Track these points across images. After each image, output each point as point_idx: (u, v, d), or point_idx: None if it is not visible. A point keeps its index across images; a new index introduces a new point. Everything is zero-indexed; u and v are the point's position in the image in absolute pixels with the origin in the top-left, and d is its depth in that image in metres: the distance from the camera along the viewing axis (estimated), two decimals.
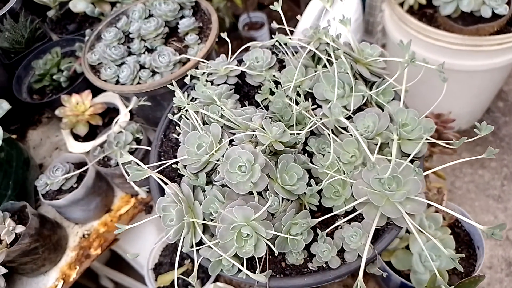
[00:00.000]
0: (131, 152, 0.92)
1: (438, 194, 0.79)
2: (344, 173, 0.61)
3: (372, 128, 0.64)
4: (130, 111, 0.99)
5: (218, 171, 0.58)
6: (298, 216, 0.56)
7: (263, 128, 0.58)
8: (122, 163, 0.86)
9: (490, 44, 1.42)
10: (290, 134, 0.59)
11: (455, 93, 1.71)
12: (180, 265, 0.99)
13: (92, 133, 1.04)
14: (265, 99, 0.73)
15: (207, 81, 0.74)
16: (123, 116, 0.99)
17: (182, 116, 0.64)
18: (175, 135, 0.73)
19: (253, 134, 0.58)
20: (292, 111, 0.67)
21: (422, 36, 1.54)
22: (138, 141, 0.93)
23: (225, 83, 0.73)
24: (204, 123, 0.63)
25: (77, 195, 0.90)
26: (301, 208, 0.61)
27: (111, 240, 0.98)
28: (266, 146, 0.58)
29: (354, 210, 0.60)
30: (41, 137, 1.25)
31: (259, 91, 0.72)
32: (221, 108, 0.64)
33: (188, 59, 0.88)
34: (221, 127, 0.62)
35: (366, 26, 2.11)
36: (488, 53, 1.45)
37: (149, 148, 0.92)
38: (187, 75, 0.76)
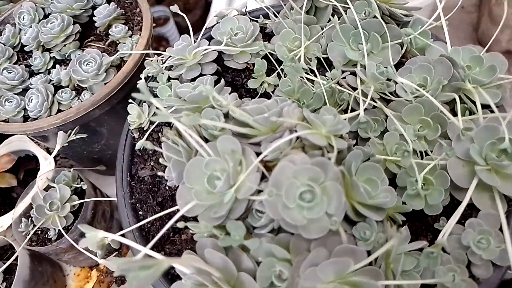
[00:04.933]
0: (74, 212, 0.64)
1: None
2: (421, 156, 0.42)
3: (429, 83, 0.45)
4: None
5: (258, 211, 0.36)
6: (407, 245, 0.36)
7: (308, 122, 0.36)
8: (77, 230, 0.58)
9: None
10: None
11: None
12: None
13: (5, 199, 0.73)
14: (262, 84, 0.51)
15: (170, 79, 0.50)
16: (46, 164, 0.69)
17: (163, 140, 0.40)
18: (147, 172, 0.48)
19: (297, 138, 0.36)
20: (313, 89, 0.46)
21: None
22: (79, 193, 0.65)
23: (200, 74, 0.49)
24: (205, 140, 0.40)
25: None
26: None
27: None
28: (322, 149, 0.36)
29: (453, 204, 0.41)
30: None
31: (253, 75, 0.50)
32: (220, 110, 0.40)
33: (122, 60, 0.62)
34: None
35: None
36: None
37: (100, 198, 0.65)
38: (132, 81, 0.50)
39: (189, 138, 0.36)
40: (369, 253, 0.35)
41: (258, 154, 0.36)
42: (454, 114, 0.44)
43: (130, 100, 0.48)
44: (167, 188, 0.46)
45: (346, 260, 0.31)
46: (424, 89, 0.45)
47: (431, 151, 0.43)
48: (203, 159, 0.37)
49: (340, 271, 0.31)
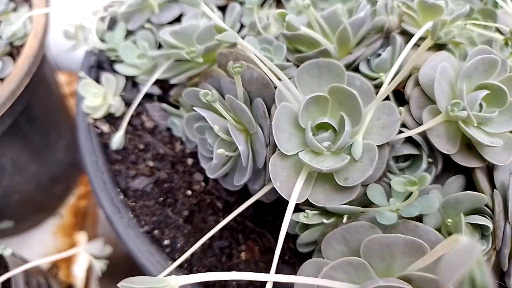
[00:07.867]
0: None
1: None
2: None
3: None
4: None
5: (401, 158, 0.23)
6: None
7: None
8: None
9: None
10: None
11: None
12: None
13: None
14: None
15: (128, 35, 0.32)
16: None
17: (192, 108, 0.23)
18: (145, 179, 0.30)
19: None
20: None
21: None
22: None
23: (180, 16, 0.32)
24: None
25: None
26: None
27: None
28: None
29: None
30: None
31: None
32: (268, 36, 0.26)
33: (13, 47, 0.40)
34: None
35: None
36: None
37: (30, 265, 0.42)
38: (41, 70, 0.31)
39: (267, 70, 0.21)
40: None
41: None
42: None
43: (81, 74, 0.29)
44: (189, 192, 0.29)
45: None
46: None
47: None
48: (290, 106, 0.22)
49: None
